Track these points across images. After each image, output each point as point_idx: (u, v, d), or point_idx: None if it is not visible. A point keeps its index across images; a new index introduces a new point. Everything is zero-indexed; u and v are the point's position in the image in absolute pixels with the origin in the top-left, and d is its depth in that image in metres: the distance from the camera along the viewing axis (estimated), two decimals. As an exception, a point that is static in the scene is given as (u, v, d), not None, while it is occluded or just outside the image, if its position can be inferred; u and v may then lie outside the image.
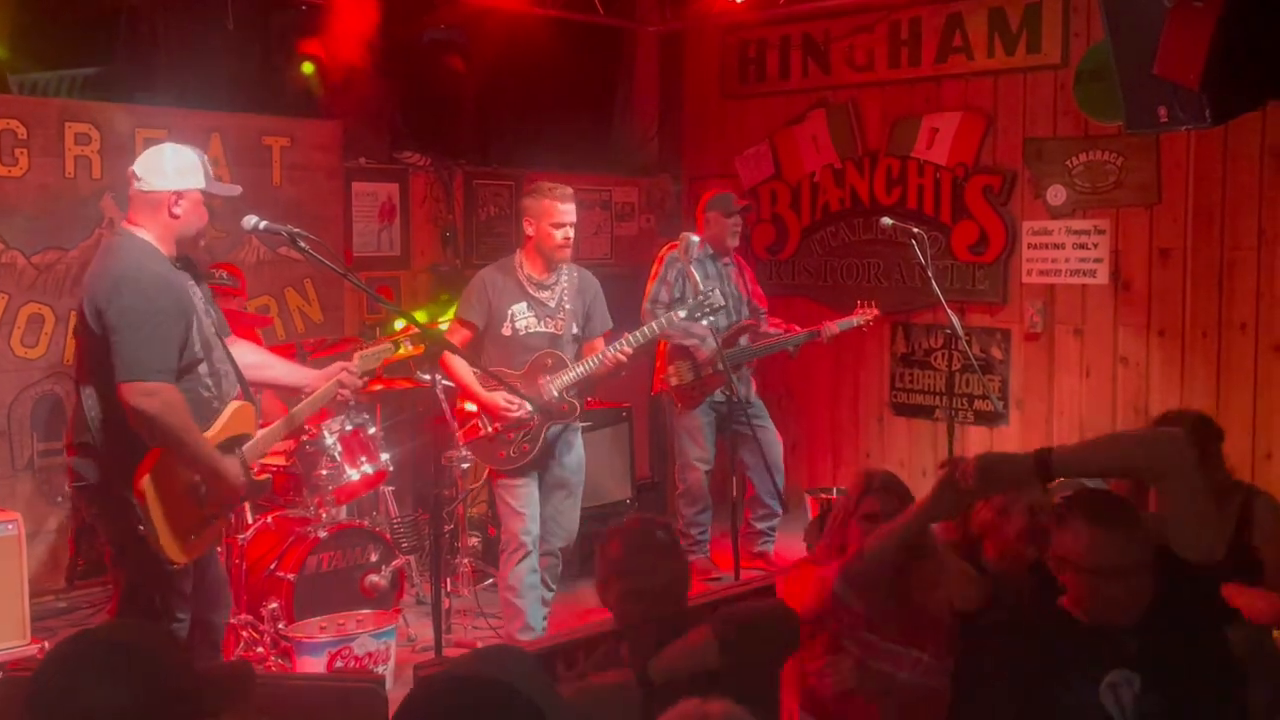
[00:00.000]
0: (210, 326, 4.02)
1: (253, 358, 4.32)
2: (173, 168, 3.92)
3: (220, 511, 4.05)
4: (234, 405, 4.01)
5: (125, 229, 3.94)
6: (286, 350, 5.63)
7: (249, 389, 4.17)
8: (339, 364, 4.36)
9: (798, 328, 6.79)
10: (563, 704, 1.89)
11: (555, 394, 5.23)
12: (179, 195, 3.90)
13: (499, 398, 5.17)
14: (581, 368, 5.30)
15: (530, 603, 5.32)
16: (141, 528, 3.77)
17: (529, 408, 5.14)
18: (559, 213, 5.22)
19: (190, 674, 1.87)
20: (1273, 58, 3.85)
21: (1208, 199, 6.52)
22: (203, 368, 3.92)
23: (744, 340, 6.68)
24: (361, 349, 4.49)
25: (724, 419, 6.52)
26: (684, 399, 6.62)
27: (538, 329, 5.32)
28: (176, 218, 3.92)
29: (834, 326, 6.70)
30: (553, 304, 5.36)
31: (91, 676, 1.77)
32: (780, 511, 6.84)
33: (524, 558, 5.29)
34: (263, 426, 4.21)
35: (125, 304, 3.76)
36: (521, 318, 5.30)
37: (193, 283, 4.03)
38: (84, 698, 1.75)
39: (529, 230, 5.29)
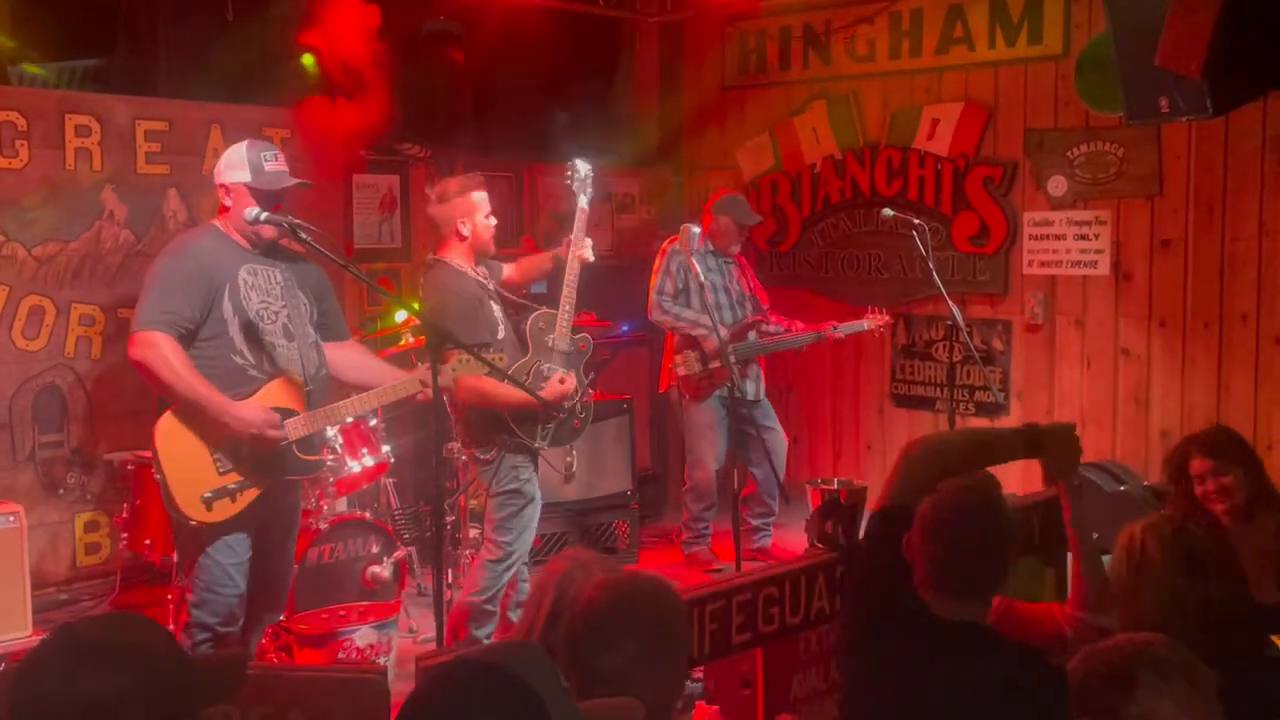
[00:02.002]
0: (264, 303, 4.15)
1: (351, 358, 4.49)
2: (224, 164, 4.22)
3: (250, 478, 4.08)
4: (281, 379, 4.17)
5: (210, 221, 4.32)
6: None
7: (309, 372, 4.24)
8: (422, 366, 4.31)
9: (800, 324, 6.79)
10: (573, 709, 1.89)
11: (568, 345, 5.01)
12: (226, 189, 4.18)
13: (554, 383, 4.89)
14: (566, 304, 5.00)
15: None
16: (157, 476, 4.04)
17: (571, 376, 4.96)
18: (486, 202, 5.00)
19: (181, 665, 1.85)
20: (1274, 48, 3.84)
21: (1209, 189, 6.51)
22: (235, 335, 4.08)
23: (752, 336, 6.69)
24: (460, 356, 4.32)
25: (732, 416, 6.52)
26: (691, 390, 6.61)
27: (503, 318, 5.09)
28: (228, 209, 4.19)
29: (839, 330, 6.71)
30: (495, 290, 5.10)
31: (77, 667, 1.74)
32: (776, 509, 6.86)
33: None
34: None
35: (150, 271, 4.11)
36: (501, 317, 5.03)
37: (261, 265, 4.19)
38: (69, 687, 1.73)
39: (463, 230, 4.93)
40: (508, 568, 5.03)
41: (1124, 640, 2.33)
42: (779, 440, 6.80)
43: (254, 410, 4.04)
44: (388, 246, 7.32)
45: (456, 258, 4.98)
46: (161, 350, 3.93)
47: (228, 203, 4.18)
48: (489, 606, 5.01)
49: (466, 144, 7.71)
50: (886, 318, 6.80)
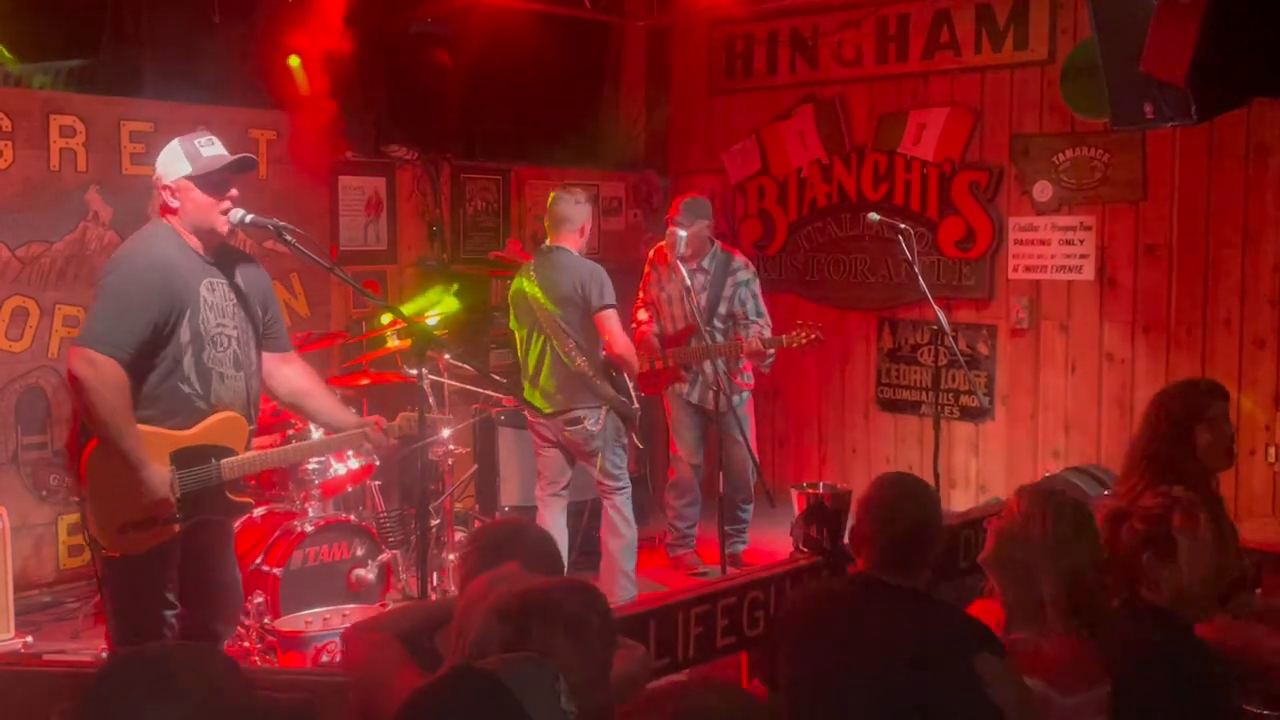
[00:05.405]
0: (220, 326, 3.93)
1: (301, 384, 4.25)
2: (161, 163, 3.97)
3: (173, 514, 3.83)
4: (226, 415, 3.94)
5: (157, 217, 4.02)
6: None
7: (253, 408, 4.07)
8: (375, 418, 4.21)
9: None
10: None
11: None
12: (171, 190, 3.92)
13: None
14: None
15: None
16: (76, 499, 3.86)
17: None
18: None
19: (247, 705, 1.84)
20: (1257, 55, 3.87)
21: (1193, 195, 6.54)
22: (187, 361, 3.84)
23: (692, 341, 6.55)
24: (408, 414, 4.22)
25: (708, 420, 6.50)
26: (645, 385, 6.52)
27: None
28: (175, 210, 3.93)
29: (755, 342, 6.38)
30: None
31: (146, 696, 1.74)
32: (747, 516, 6.82)
33: None
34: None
35: (109, 279, 3.86)
36: None
37: (217, 278, 3.97)
38: (135, 715, 1.73)
39: (587, 228, 5.87)
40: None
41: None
42: (739, 454, 6.64)
43: (161, 484, 3.76)
44: (373, 249, 7.30)
45: (574, 249, 5.76)
46: (109, 374, 3.68)
47: (174, 204, 3.91)
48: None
49: (453, 146, 7.70)
50: (816, 335, 6.35)
